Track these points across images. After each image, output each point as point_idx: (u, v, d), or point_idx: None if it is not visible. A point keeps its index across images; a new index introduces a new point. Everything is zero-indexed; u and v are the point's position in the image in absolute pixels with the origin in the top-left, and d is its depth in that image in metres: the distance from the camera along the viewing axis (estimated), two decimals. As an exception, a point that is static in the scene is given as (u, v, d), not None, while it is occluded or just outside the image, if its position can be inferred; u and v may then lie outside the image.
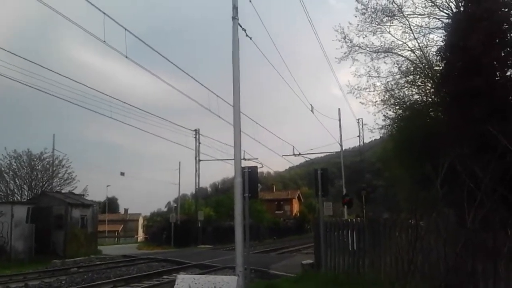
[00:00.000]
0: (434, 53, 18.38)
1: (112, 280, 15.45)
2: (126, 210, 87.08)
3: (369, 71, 21.63)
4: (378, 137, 29.88)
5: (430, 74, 18.97)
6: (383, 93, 21.66)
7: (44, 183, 33.42)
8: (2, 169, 32.21)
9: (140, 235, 70.66)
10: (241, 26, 11.11)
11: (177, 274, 3.10)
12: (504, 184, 6.51)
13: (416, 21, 19.78)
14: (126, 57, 15.83)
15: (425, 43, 19.84)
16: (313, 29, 46.11)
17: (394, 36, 20.51)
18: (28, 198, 30.37)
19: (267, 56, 16.81)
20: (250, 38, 12.12)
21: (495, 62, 11.92)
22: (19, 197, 31.51)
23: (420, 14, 19.46)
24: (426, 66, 19.72)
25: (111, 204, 76.13)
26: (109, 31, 14.62)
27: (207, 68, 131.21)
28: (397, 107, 21.38)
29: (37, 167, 33.50)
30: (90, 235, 28.09)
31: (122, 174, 49.36)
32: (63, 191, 31.44)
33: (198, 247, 36.75)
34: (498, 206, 6.18)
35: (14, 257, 22.54)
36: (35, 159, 33.30)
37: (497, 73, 12.11)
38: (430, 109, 18.99)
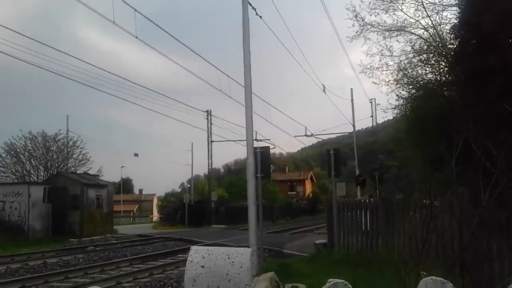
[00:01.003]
0: (448, 31, 18.05)
1: (128, 258, 15.75)
2: (140, 191, 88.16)
3: (382, 50, 21.31)
4: (391, 118, 29.58)
5: (443, 53, 18.63)
6: (396, 72, 21.36)
7: (59, 163, 33.85)
8: (18, 150, 32.68)
9: (155, 215, 71.58)
10: (251, 5, 11.01)
11: (191, 246, 3.15)
12: (519, 162, 6.44)
13: (429, -2, 19.37)
14: (136, 37, 15.88)
15: (439, 21, 19.44)
16: (324, 7, 45.47)
17: (406, 14, 20.10)
18: (44, 179, 30.81)
19: (278, 36, 16.70)
20: (260, 17, 12.04)
21: (510, 40, 11.67)
22: (35, 178, 32.00)
23: (434, -9, 19.03)
24: (440, 45, 19.36)
25: (125, 185, 77.09)
26: (118, 12, 14.63)
27: (218, 48, 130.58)
28: (410, 87, 21.09)
29: (52, 148, 33.91)
30: (106, 214, 28.53)
31: (136, 155, 49.68)
32: (78, 172, 31.85)
33: (211, 227, 37.14)
34: (514, 184, 6.14)
35: (31, 236, 23.05)
36: (50, 140, 33.70)
37: (512, 50, 11.86)
38: (444, 88, 18.70)
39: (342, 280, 3.71)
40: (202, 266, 3.00)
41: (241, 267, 2.99)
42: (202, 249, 3.16)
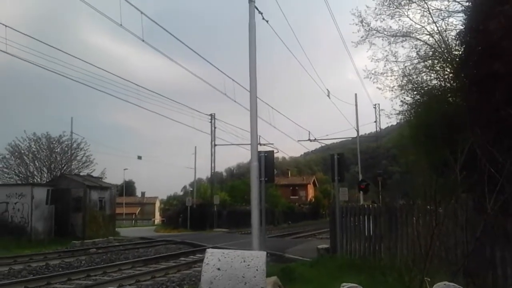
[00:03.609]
0: (453, 37, 18.01)
1: (130, 261, 15.73)
2: (143, 194, 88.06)
3: (387, 55, 21.26)
4: (395, 123, 29.50)
5: (449, 59, 18.60)
6: (401, 78, 21.33)
7: (63, 165, 33.90)
8: (22, 151, 32.78)
9: (157, 218, 71.53)
10: (257, 9, 11.02)
11: (206, 249, 3.15)
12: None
13: (435, 4, 19.30)
14: (143, 40, 15.92)
15: (444, 27, 19.41)
16: (330, 12, 45.56)
17: (412, 20, 20.10)
18: (47, 180, 30.85)
19: (284, 40, 16.72)
20: (267, 21, 12.04)
21: (515, 47, 11.66)
22: (38, 179, 32.06)
23: (440, -3, 19.02)
24: (445, 51, 19.33)
25: (128, 188, 77.02)
26: (125, 15, 14.68)
27: (224, 52, 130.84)
28: (414, 93, 21.04)
29: (56, 150, 33.98)
30: (108, 217, 28.52)
31: (139, 157, 49.67)
32: (81, 174, 31.85)
33: (213, 231, 37.10)
34: (519, 192, 6.12)
35: (34, 237, 23.05)
36: (54, 142, 33.78)
37: (517, 57, 11.84)
38: (449, 94, 18.66)
39: (356, 284, 3.70)
40: (218, 269, 3.00)
41: (257, 270, 2.99)
42: (218, 252, 3.16)
